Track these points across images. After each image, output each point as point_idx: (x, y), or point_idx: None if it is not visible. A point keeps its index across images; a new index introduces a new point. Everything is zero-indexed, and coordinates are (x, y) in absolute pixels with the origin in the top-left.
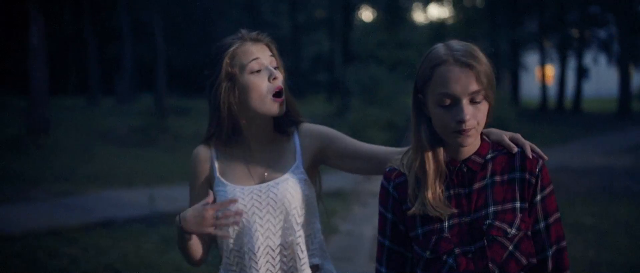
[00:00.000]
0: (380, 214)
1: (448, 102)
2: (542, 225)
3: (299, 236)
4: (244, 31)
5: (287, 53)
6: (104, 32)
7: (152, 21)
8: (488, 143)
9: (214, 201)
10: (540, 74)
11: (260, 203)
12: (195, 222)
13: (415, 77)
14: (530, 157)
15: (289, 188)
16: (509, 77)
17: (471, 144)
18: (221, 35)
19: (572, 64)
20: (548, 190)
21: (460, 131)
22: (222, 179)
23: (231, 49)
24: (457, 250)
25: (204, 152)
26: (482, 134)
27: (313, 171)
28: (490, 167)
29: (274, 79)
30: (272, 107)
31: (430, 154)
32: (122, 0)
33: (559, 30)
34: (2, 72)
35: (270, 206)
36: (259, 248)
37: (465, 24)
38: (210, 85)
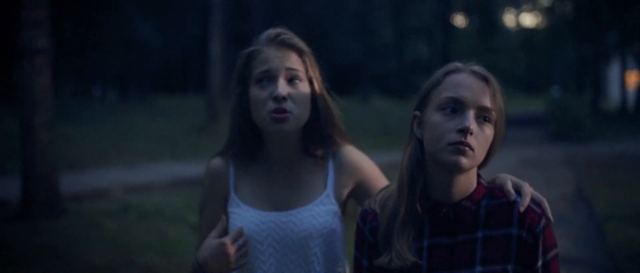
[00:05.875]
0: (356, 259)
1: (453, 107)
2: None
3: None
4: (270, 32)
5: (390, 58)
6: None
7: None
8: (484, 188)
9: (227, 228)
10: (625, 81)
11: (278, 233)
12: (218, 264)
13: (418, 94)
14: (521, 210)
15: (313, 221)
16: (592, 84)
17: (468, 170)
18: (336, 43)
19: None
20: (552, 254)
21: (459, 144)
22: (238, 199)
23: (248, 52)
24: None
25: (219, 166)
26: (480, 176)
27: (345, 204)
28: (482, 216)
29: (275, 97)
30: (270, 125)
31: (407, 184)
32: (256, 10)
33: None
34: (183, 78)
35: (289, 238)
36: None
37: (552, 32)
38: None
